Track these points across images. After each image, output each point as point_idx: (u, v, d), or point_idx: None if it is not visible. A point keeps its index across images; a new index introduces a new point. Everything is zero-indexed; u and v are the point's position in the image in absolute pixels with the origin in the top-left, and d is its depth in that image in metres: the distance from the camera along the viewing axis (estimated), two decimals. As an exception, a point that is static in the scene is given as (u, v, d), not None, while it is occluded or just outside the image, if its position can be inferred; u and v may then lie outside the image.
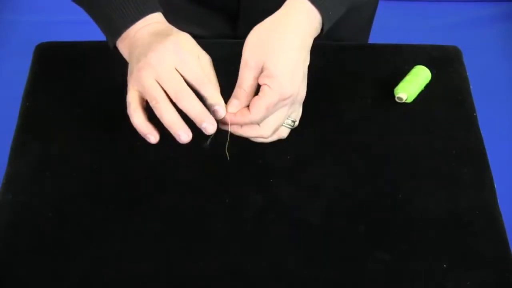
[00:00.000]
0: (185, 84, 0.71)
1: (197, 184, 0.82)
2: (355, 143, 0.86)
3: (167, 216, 0.79)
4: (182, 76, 0.71)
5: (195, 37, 0.75)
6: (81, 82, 0.91)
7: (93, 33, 1.00)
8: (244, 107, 0.73)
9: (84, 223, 0.78)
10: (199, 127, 0.71)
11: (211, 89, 0.72)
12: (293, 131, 0.79)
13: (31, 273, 0.74)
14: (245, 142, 0.77)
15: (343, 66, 0.95)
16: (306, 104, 0.78)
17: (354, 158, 0.85)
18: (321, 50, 0.76)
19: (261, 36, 0.72)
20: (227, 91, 0.74)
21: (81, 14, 0.82)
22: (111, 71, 0.92)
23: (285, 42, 0.72)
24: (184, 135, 0.71)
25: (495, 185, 0.83)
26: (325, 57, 0.94)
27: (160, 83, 0.70)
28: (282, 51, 0.72)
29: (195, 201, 0.80)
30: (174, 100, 0.70)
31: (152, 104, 0.71)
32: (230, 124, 0.73)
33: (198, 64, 0.72)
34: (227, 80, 0.75)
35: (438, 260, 0.76)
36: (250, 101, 0.72)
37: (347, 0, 0.77)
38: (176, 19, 0.79)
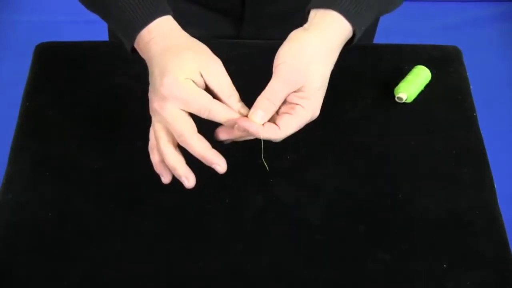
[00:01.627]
0: (187, 127, 0.70)
1: (197, 184, 0.81)
2: (355, 143, 0.86)
3: (167, 216, 0.79)
4: (189, 112, 0.70)
5: (198, 38, 0.75)
6: (81, 82, 0.91)
7: (93, 33, 1.00)
8: (272, 122, 0.72)
9: (84, 223, 0.78)
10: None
11: (222, 114, 0.71)
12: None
13: (31, 273, 0.74)
14: (245, 142, 0.77)
15: (343, 66, 0.95)
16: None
17: (354, 158, 0.85)
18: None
19: (299, 53, 0.71)
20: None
21: (81, 14, 0.82)
22: (111, 71, 0.92)
23: (322, 64, 0.72)
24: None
25: (495, 185, 0.83)
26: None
27: (167, 127, 0.71)
28: (319, 75, 0.72)
29: (195, 201, 0.80)
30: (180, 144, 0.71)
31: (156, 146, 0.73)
32: (255, 137, 0.72)
33: (199, 92, 0.70)
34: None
35: (438, 260, 0.76)
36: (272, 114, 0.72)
37: (375, 13, 0.77)
38: (180, 21, 0.79)
